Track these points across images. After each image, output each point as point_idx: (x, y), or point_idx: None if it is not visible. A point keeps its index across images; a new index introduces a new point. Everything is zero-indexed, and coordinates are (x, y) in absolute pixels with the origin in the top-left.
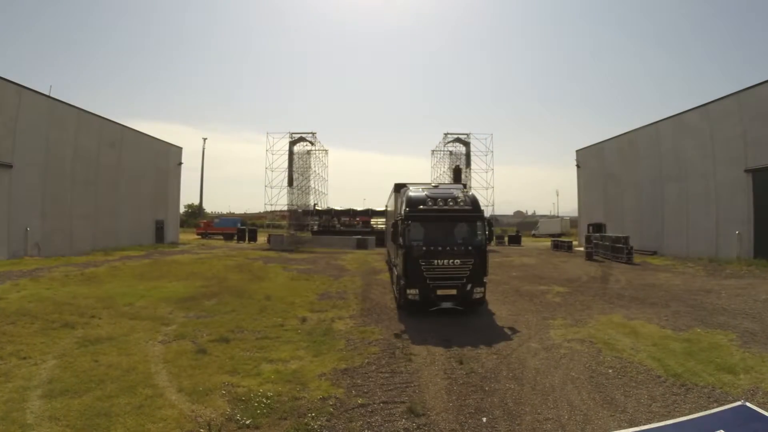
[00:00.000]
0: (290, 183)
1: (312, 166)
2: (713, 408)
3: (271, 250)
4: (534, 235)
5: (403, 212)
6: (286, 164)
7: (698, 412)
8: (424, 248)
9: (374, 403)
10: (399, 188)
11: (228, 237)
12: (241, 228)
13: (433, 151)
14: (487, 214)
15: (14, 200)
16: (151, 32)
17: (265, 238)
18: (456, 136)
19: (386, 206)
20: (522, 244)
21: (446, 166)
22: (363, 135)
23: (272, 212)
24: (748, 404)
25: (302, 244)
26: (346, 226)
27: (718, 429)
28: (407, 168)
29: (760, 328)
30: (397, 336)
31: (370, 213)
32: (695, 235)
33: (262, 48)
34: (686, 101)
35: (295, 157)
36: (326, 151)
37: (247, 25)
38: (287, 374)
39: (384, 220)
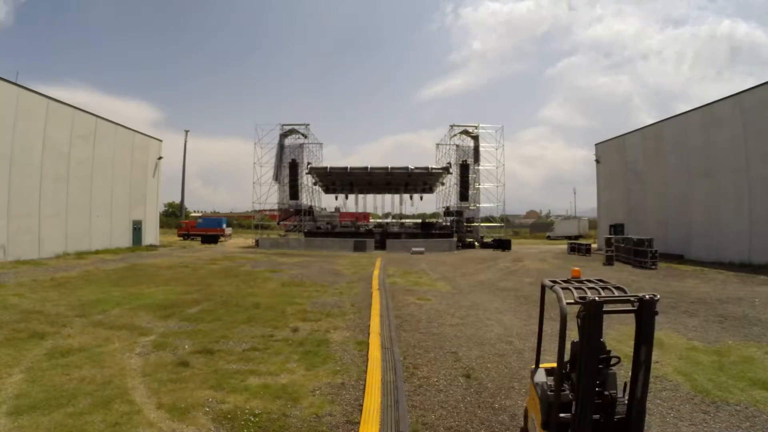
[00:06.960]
0: (277, 178)
1: (305, 160)
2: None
3: (259, 252)
4: (549, 238)
5: None
6: (275, 159)
7: None
8: None
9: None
10: None
11: (207, 239)
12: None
13: (438, 144)
14: (497, 213)
15: None
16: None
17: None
18: (463, 128)
19: None
20: (512, 249)
21: (452, 161)
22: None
23: (260, 211)
24: None
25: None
26: (343, 227)
27: None
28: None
29: None
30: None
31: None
32: (726, 237)
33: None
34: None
35: (286, 150)
36: (320, 144)
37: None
38: (277, 389)
39: (383, 220)
